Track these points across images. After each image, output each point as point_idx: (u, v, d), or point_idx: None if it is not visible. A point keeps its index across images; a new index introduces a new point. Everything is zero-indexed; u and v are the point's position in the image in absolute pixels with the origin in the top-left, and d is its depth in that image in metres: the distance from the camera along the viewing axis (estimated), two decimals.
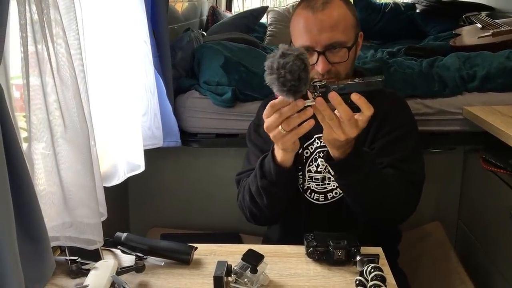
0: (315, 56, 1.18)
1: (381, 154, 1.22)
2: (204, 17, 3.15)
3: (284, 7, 3.22)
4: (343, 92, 0.94)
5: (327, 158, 1.09)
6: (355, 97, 0.94)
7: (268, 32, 2.92)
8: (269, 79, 0.90)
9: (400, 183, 1.17)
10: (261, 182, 1.16)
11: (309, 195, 1.29)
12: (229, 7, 3.88)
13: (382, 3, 3.08)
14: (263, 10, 3.05)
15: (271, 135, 1.00)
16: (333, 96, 0.93)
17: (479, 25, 2.22)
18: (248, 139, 1.40)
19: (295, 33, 1.23)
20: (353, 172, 1.07)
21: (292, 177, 1.17)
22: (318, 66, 1.18)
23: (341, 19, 1.18)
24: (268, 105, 0.96)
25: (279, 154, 1.11)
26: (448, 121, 1.71)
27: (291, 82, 0.88)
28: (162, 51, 1.63)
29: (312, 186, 1.28)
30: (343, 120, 0.95)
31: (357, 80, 0.95)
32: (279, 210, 1.25)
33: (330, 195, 1.27)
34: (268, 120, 0.97)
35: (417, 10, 2.93)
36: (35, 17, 0.88)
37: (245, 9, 3.81)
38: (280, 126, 0.96)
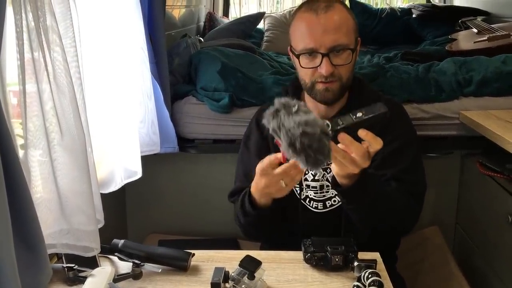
0: (319, 58, 1.18)
1: (384, 166, 1.22)
2: (201, 23, 3.16)
3: (281, 13, 3.22)
4: (351, 131, 0.94)
5: (334, 184, 1.10)
6: (362, 133, 0.94)
7: (265, 38, 2.93)
8: (292, 156, 0.88)
9: (403, 198, 1.18)
10: (244, 220, 1.22)
11: (308, 203, 1.29)
12: (226, 13, 3.89)
13: (378, 8, 3.10)
14: (260, 16, 3.05)
15: (269, 190, 1.06)
16: (344, 137, 0.94)
17: (475, 30, 2.23)
18: (240, 150, 1.42)
19: (296, 36, 1.23)
20: (361, 196, 1.08)
21: (274, 211, 1.18)
22: (322, 68, 1.18)
23: (344, 22, 1.19)
24: (279, 170, 1.00)
25: (262, 201, 1.15)
26: (445, 126, 1.72)
27: (323, 160, 0.87)
28: (159, 57, 1.63)
29: (310, 195, 1.28)
30: (356, 157, 0.96)
31: (360, 114, 0.93)
32: (272, 232, 1.29)
33: (328, 203, 1.27)
34: (271, 177, 1.02)
35: (413, 15, 2.94)
36: (32, 24, 0.89)
37: (242, 15, 3.81)
38: (282, 182, 1.01)
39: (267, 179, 1.05)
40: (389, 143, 1.24)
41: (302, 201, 1.29)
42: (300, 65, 1.23)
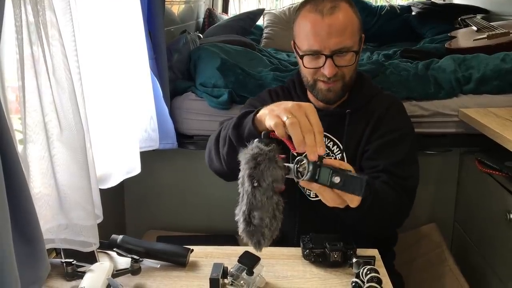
0: (322, 59, 1.18)
1: (376, 156, 1.22)
2: (201, 19, 3.15)
3: (280, 10, 3.21)
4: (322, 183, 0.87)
5: None
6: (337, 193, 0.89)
7: (264, 35, 2.92)
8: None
9: (394, 195, 1.16)
10: (232, 132, 1.08)
11: (304, 189, 1.28)
12: (225, 9, 3.88)
13: (378, 5, 3.09)
14: (259, 12, 3.05)
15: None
16: (314, 187, 0.88)
17: (474, 28, 2.23)
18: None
19: (300, 35, 1.22)
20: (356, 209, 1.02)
21: None
22: (325, 70, 1.19)
23: (349, 23, 1.19)
24: None
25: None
26: (444, 123, 1.72)
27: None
28: (158, 53, 1.63)
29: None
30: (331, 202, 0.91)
31: (338, 181, 0.86)
32: (230, 170, 1.15)
33: None
34: None
35: (413, 13, 2.94)
36: (31, 19, 0.88)
37: (242, 11, 3.80)
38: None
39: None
40: (383, 135, 1.24)
41: (299, 188, 1.28)
42: (304, 65, 1.23)
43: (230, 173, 1.14)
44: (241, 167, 0.86)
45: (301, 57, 1.22)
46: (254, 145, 0.86)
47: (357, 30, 1.21)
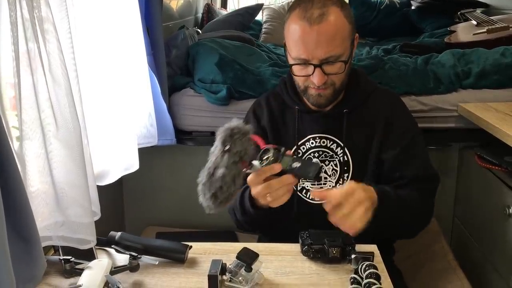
0: (311, 68, 1.17)
1: (398, 168, 1.23)
2: (199, 15, 3.14)
3: (279, 4, 3.20)
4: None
5: None
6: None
7: (263, 30, 2.91)
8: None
9: (422, 202, 1.19)
10: (243, 218, 1.21)
11: (305, 195, 1.29)
12: (224, 4, 3.86)
13: (377, 0, 3.08)
14: (258, 7, 3.03)
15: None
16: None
17: (474, 22, 2.22)
18: None
19: (290, 41, 1.20)
20: (382, 220, 1.06)
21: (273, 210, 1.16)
22: (314, 78, 1.18)
23: (338, 31, 1.15)
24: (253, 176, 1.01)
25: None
26: (443, 118, 1.71)
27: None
28: (156, 49, 1.62)
29: (307, 186, 1.28)
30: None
31: (297, 165, 0.97)
32: (268, 229, 1.31)
33: None
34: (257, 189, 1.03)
35: (412, 7, 2.93)
36: (26, 15, 0.88)
37: (240, 6, 3.78)
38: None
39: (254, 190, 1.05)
40: (397, 140, 1.25)
41: (298, 192, 1.28)
42: (293, 73, 1.22)
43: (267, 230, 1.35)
44: (216, 136, 0.97)
45: (290, 65, 1.22)
46: (234, 121, 0.97)
47: (347, 35, 1.18)
